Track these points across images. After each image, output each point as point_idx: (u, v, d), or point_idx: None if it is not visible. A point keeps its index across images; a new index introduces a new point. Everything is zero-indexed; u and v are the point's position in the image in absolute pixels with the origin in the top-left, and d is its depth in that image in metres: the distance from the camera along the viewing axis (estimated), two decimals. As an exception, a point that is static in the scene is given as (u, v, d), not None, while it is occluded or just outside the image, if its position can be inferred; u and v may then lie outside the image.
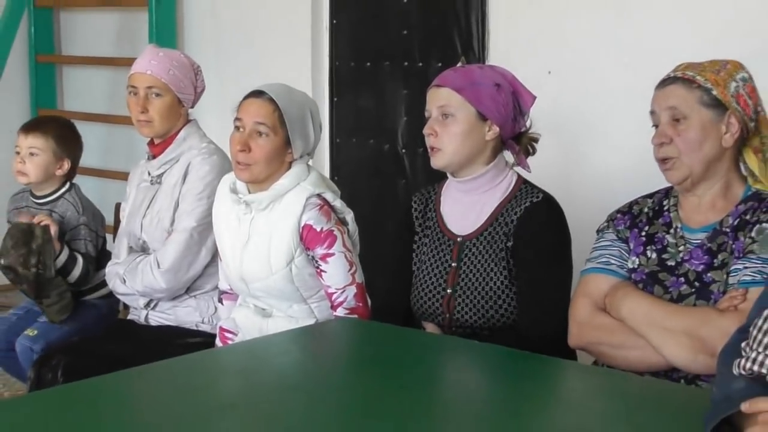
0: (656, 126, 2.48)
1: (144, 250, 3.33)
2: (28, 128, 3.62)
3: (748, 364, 1.82)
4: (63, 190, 3.63)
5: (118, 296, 3.41)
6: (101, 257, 3.56)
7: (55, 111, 5.75)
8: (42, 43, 6.19)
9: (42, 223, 3.41)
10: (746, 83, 2.48)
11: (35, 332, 3.39)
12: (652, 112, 2.50)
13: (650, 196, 2.64)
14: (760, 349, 1.82)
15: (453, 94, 2.73)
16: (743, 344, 1.87)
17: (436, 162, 2.78)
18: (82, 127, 3.79)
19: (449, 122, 2.73)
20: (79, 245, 3.54)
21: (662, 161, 2.47)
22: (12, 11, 5.00)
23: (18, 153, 3.56)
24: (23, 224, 3.43)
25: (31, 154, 3.54)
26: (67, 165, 3.60)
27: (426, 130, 2.77)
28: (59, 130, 3.65)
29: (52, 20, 6.27)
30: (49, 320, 3.47)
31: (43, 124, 3.71)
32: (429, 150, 2.79)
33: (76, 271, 3.47)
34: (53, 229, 3.42)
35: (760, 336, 1.84)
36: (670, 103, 2.44)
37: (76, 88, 6.22)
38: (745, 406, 1.74)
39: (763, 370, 1.78)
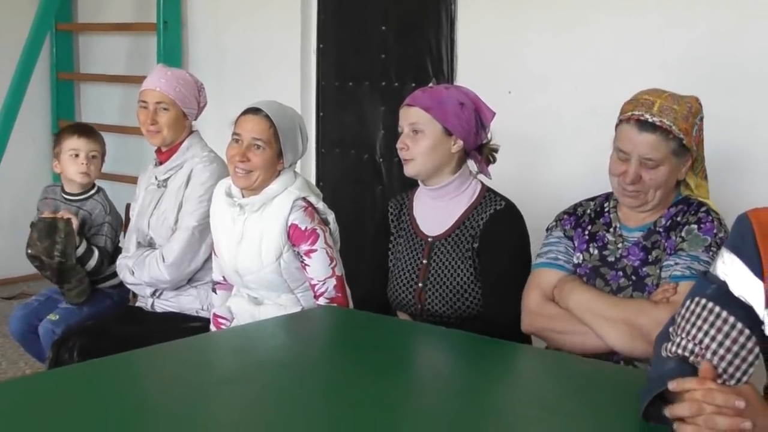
0: (624, 156, 2.44)
1: (151, 245, 3.32)
2: (86, 132, 3.63)
3: (673, 348, 1.86)
4: (93, 191, 3.64)
5: (128, 286, 3.41)
6: (114, 252, 3.54)
7: (73, 123, 5.72)
8: (63, 62, 6.18)
9: (65, 218, 3.41)
10: (701, 121, 2.49)
11: (57, 317, 3.38)
12: (620, 150, 2.45)
13: (593, 199, 2.64)
14: (683, 335, 1.85)
15: (422, 113, 2.72)
16: (670, 329, 1.90)
17: (408, 171, 2.78)
18: (100, 137, 3.80)
19: (419, 137, 2.73)
20: (99, 240, 3.55)
21: (628, 190, 2.46)
22: (36, 34, 4.98)
23: (77, 156, 3.56)
24: (48, 218, 3.43)
25: (93, 156, 3.58)
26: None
27: (399, 144, 2.77)
28: (101, 138, 3.69)
29: (72, 42, 6.25)
30: (68, 302, 3.46)
31: (93, 130, 3.71)
32: (402, 161, 2.79)
33: (92, 262, 3.47)
34: (74, 224, 3.43)
35: (683, 323, 1.86)
36: (645, 153, 2.40)
37: (93, 102, 6.20)
38: (672, 385, 1.75)
39: (686, 353, 1.80)
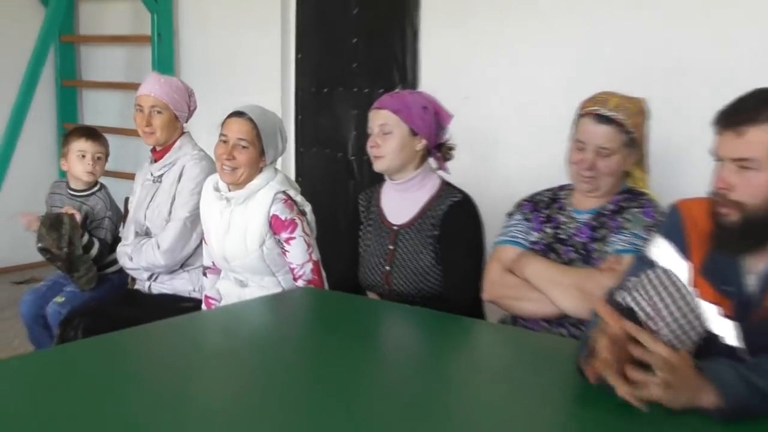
0: (581, 146, 2.48)
1: (147, 234, 3.31)
2: (93, 136, 3.61)
3: (628, 299, 1.81)
4: (96, 188, 3.63)
5: (127, 270, 3.40)
6: (113, 243, 3.55)
7: (76, 125, 5.70)
8: (66, 70, 6.13)
9: (69, 213, 3.40)
10: (647, 121, 2.52)
11: (62, 299, 3.37)
12: (579, 140, 2.49)
13: (549, 189, 2.66)
14: (639, 295, 1.81)
15: (391, 115, 2.74)
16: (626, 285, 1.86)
17: (378, 167, 2.80)
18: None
19: (388, 137, 2.74)
20: (100, 232, 3.54)
21: (584, 176, 2.48)
22: (42, 45, 4.95)
23: (84, 157, 3.55)
24: (53, 214, 3.43)
25: (98, 158, 3.58)
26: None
27: (370, 143, 2.78)
28: (106, 140, 3.68)
29: (74, 52, 6.20)
30: (80, 289, 3.45)
31: (99, 133, 3.69)
32: (372, 158, 2.80)
33: (93, 251, 3.46)
34: (78, 218, 3.42)
35: (641, 285, 1.82)
36: (601, 143, 2.44)
37: (94, 106, 6.15)
38: (602, 311, 1.76)
39: (640, 312, 1.78)
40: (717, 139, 1.85)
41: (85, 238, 3.44)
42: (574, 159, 2.50)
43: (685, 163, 3.43)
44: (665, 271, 1.87)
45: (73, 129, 3.73)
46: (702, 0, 3.48)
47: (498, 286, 2.56)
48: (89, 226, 3.53)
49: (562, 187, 2.63)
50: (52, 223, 3.39)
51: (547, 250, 2.54)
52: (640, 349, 1.70)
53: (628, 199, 2.50)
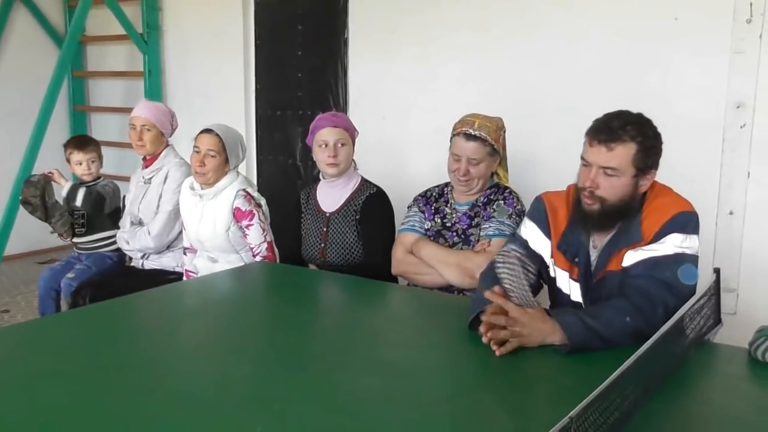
0: (457, 158, 2.48)
1: (140, 223, 3.24)
2: (82, 145, 3.49)
3: (497, 271, 1.84)
4: (100, 180, 3.52)
5: (124, 251, 3.33)
6: (116, 219, 3.43)
7: (73, 136, 5.56)
8: (77, 98, 5.96)
9: (45, 172, 3.38)
10: (505, 133, 2.55)
11: (73, 275, 3.28)
12: (455, 154, 2.48)
13: (437, 186, 2.67)
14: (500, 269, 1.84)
15: (344, 132, 2.73)
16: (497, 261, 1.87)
17: (332, 172, 2.74)
18: (104, 150, 3.69)
19: (344, 149, 2.73)
20: (107, 192, 3.45)
21: (461, 180, 2.48)
22: (57, 78, 4.80)
23: (81, 164, 3.46)
24: (30, 177, 3.37)
25: (93, 161, 3.48)
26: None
27: (330, 154, 2.71)
28: (96, 142, 3.58)
29: (83, 84, 6.05)
30: (57, 234, 3.38)
31: (87, 140, 3.57)
32: (328, 165, 2.73)
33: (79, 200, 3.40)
34: (56, 177, 3.42)
35: (500, 259, 1.85)
36: (470, 155, 2.45)
37: (99, 126, 6.01)
38: (488, 294, 1.79)
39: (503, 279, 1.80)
40: (588, 148, 1.86)
41: (82, 191, 3.39)
42: (452, 168, 2.51)
43: (535, 164, 3.51)
44: (509, 251, 1.90)
45: (66, 141, 3.60)
46: (547, 46, 3.55)
47: (402, 263, 2.56)
48: (109, 205, 3.45)
49: (447, 184, 2.64)
50: (29, 181, 3.32)
51: (437, 236, 2.55)
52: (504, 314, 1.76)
53: (495, 192, 2.52)
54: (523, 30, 3.61)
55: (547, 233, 2.00)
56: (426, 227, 2.58)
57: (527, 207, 2.45)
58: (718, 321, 1.82)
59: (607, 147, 1.83)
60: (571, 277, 1.96)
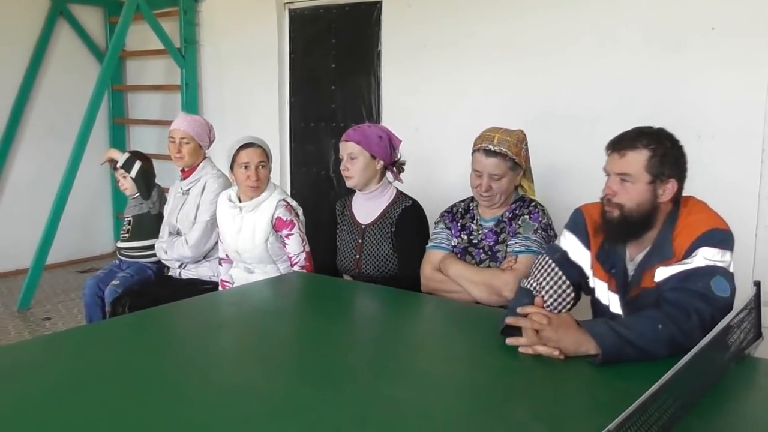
0: (478, 174, 2.47)
1: (178, 233, 3.29)
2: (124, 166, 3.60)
3: (526, 282, 1.99)
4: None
5: (163, 261, 3.38)
6: (158, 227, 3.50)
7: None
8: (117, 111, 6.09)
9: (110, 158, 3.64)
10: (527, 145, 2.52)
11: (117, 282, 3.33)
12: (476, 170, 2.48)
13: (462, 201, 2.65)
14: (533, 277, 1.98)
15: (355, 146, 2.73)
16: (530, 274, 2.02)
17: (350, 184, 2.79)
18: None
19: (355, 162, 2.73)
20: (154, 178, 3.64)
21: (483, 196, 2.47)
22: (98, 92, 4.91)
23: (124, 177, 3.59)
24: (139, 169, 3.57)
25: (124, 177, 3.60)
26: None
27: (342, 167, 2.77)
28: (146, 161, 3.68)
29: (123, 98, 6.17)
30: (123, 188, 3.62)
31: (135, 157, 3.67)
32: (345, 178, 2.79)
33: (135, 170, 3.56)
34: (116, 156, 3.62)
35: (534, 270, 2.02)
36: (491, 170, 2.43)
37: (138, 138, 6.12)
38: (519, 309, 1.87)
39: (531, 288, 1.92)
40: (607, 159, 1.92)
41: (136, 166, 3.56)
42: (475, 184, 2.49)
43: (560, 175, 3.49)
44: (543, 257, 2.01)
45: (109, 159, 3.73)
46: (575, 58, 3.53)
47: (430, 281, 2.54)
48: (152, 183, 3.62)
49: (472, 199, 2.61)
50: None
51: (464, 253, 2.53)
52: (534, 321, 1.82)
53: (521, 206, 2.50)
54: (554, 43, 3.61)
55: (587, 244, 2.01)
56: (453, 244, 2.57)
57: (553, 220, 2.46)
58: (758, 335, 1.79)
59: (619, 154, 1.89)
60: (609, 288, 1.97)
